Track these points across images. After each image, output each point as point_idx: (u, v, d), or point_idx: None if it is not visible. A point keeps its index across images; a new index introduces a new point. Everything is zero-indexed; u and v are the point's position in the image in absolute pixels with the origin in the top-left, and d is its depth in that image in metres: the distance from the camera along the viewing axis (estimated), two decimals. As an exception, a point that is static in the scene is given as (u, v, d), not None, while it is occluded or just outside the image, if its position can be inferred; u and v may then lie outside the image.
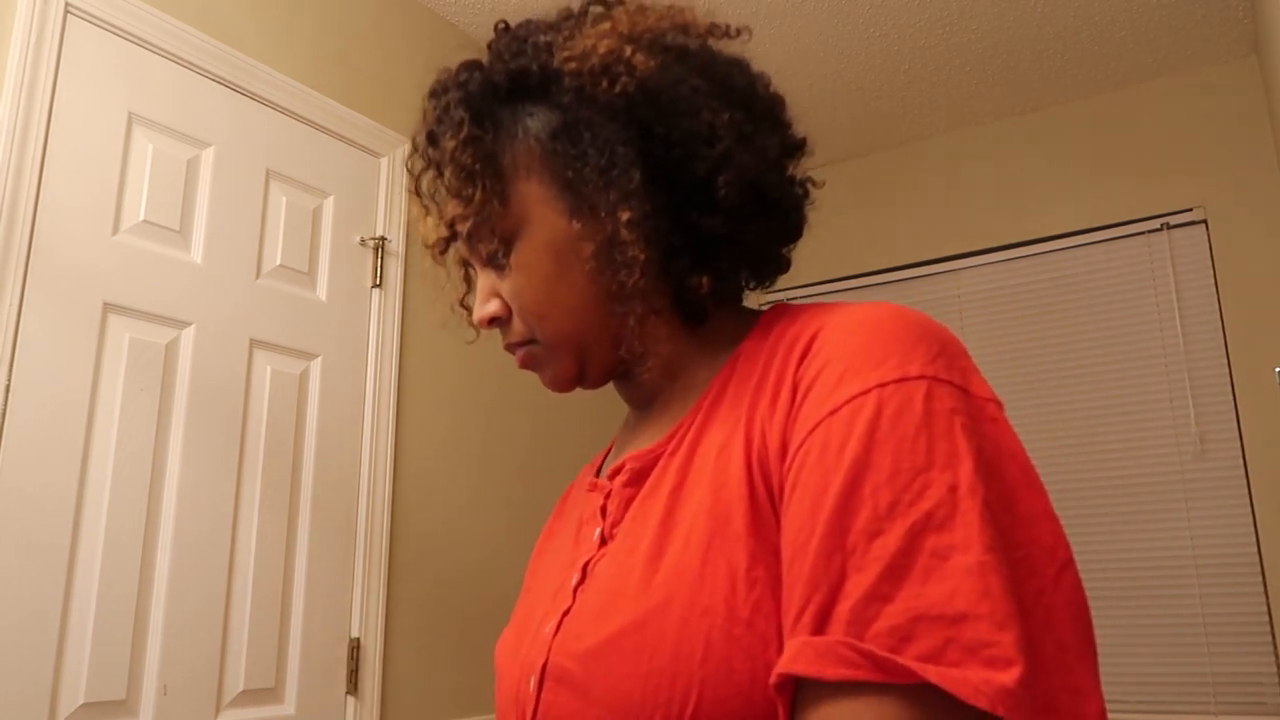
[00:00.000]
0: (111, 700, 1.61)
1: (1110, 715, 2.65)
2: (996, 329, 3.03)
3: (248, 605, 1.85)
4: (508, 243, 0.62)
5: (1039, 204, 3.02)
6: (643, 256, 0.58)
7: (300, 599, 1.95)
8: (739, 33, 0.65)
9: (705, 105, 0.59)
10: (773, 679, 0.45)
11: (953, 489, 0.44)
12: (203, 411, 1.83)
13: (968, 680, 0.40)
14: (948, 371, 0.49)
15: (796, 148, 0.65)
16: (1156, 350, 2.76)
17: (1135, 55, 2.76)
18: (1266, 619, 2.51)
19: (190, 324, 1.84)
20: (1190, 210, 2.78)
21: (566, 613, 0.58)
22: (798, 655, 0.43)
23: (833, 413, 0.48)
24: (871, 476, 0.45)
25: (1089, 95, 2.98)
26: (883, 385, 0.48)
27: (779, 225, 0.64)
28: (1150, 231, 2.83)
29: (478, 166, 0.60)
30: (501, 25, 0.66)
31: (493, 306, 0.64)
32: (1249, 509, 2.57)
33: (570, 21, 0.64)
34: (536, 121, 0.61)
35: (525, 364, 0.65)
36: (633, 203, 0.58)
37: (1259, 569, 2.53)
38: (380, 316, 2.24)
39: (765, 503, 0.51)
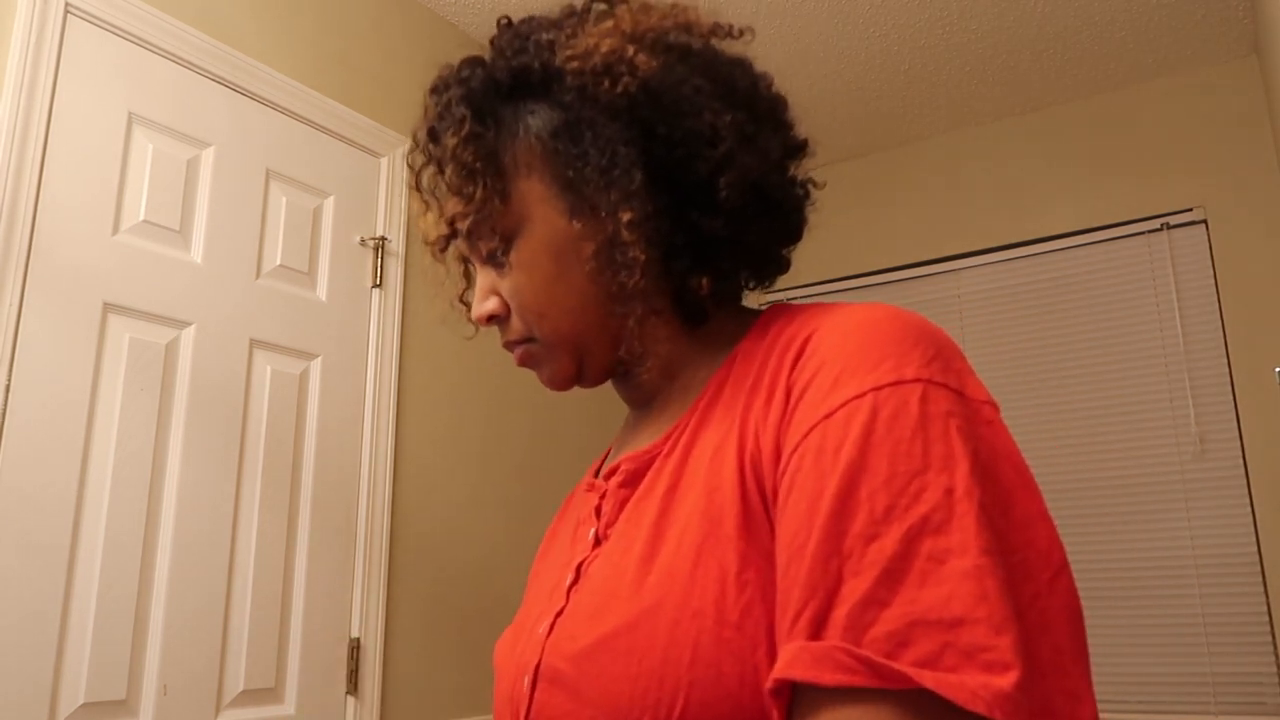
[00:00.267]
0: (111, 700, 1.61)
1: (1110, 715, 2.65)
2: (996, 329, 3.03)
3: (248, 605, 1.85)
4: (508, 241, 0.62)
5: (1039, 204, 3.01)
6: (643, 257, 0.58)
7: (300, 599, 1.95)
8: (741, 33, 0.65)
9: (708, 106, 0.59)
10: (769, 684, 0.44)
11: (949, 492, 0.44)
12: (203, 411, 1.83)
13: (965, 685, 0.40)
14: (943, 374, 0.49)
15: (798, 149, 0.64)
16: (1156, 350, 2.76)
17: (1135, 55, 2.76)
18: (1266, 619, 2.50)
19: (190, 324, 1.85)
20: (1190, 210, 2.77)
21: (560, 613, 0.58)
22: (794, 660, 0.43)
23: (828, 416, 0.48)
24: (868, 480, 0.45)
25: (1089, 95, 2.98)
26: (878, 388, 0.48)
27: (780, 226, 0.64)
28: (1150, 231, 2.83)
29: (479, 164, 0.60)
30: (504, 21, 0.65)
31: (491, 304, 0.64)
32: (1249, 509, 2.57)
33: (573, 19, 0.63)
34: (538, 119, 0.61)
35: (523, 362, 0.65)
36: (634, 203, 0.58)
37: (1259, 569, 2.53)
38: (380, 316, 2.24)
39: (758, 506, 0.51)
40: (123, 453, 1.70)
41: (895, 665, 0.41)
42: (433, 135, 0.63)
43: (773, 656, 0.46)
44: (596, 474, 0.70)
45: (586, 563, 0.60)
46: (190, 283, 1.86)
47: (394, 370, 2.25)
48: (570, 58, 0.60)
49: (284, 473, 1.97)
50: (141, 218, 1.79)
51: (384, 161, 2.32)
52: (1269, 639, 2.50)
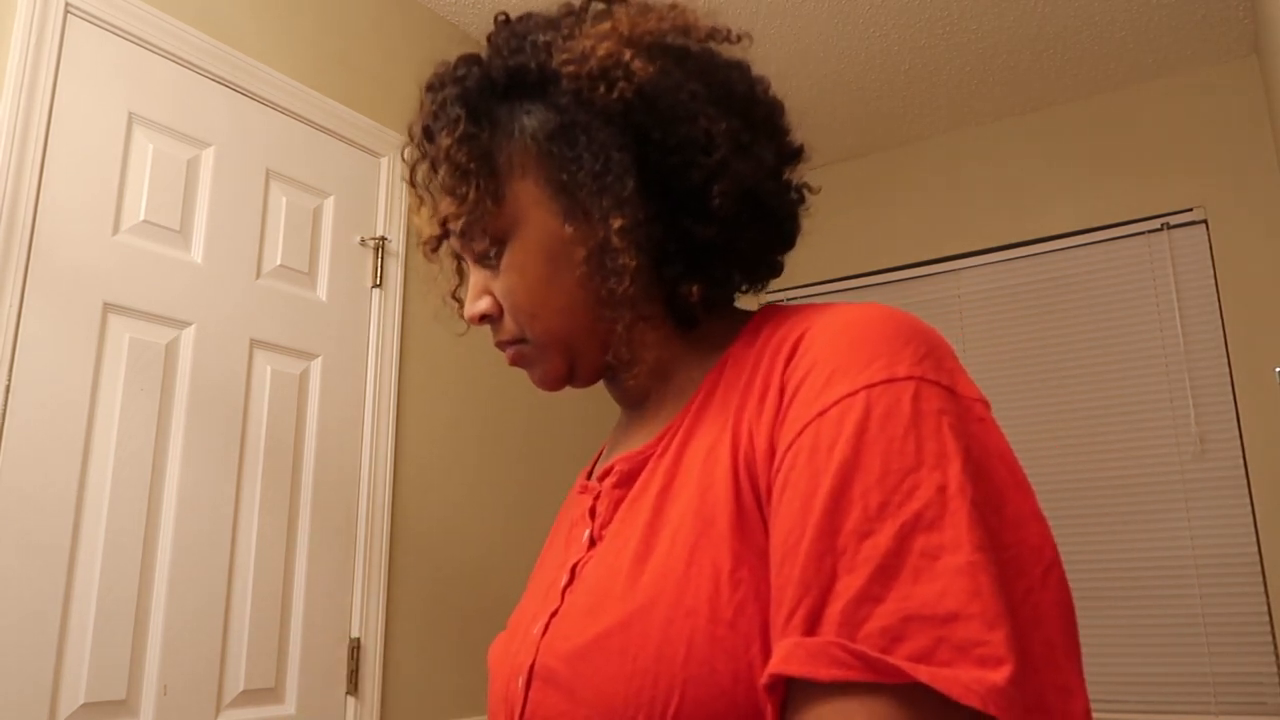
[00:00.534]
0: (111, 700, 1.62)
1: (1110, 715, 2.65)
2: (996, 329, 3.03)
3: (248, 605, 1.85)
4: (500, 242, 0.62)
5: (1039, 204, 3.01)
6: (633, 264, 0.58)
7: (300, 599, 1.95)
8: (740, 38, 0.65)
9: (703, 112, 0.59)
10: (764, 680, 0.45)
11: (941, 489, 0.44)
12: (203, 412, 1.83)
13: (959, 679, 0.40)
14: (935, 372, 0.49)
15: (793, 155, 0.64)
16: (1156, 350, 2.76)
17: (1135, 55, 2.76)
18: (1266, 619, 2.50)
19: (190, 324, 1.85)
20: (1190, 210, 2.77)
21: (554, 614, 0.58)
22: (789, 656, 0.43)
23: (821, 414, 0.48)
24: (861, 478, 0.45)
25: (1089, 95, 2.98)
26: (871, 386, 0.48)
27: (773, 233, 0.63)
28: (1150, 231, 2.83)
29: (473, 165, 0.60)
30: (501, 18, 0.65)
31: (484, 304, 0.64)
32: (1249, 509, 2.57)
33: (571, 19, 0.63)
34: (533, 120, 0.61)
35: (515, 362, 0.66)
36: (625, 209, 0.57)
37: (1259, 569, 2.53)
38: (380, 316, 2.24)
39: (751, 505, 0.51)
40: (123, 453, 1.70)
41: (890, 660, 0.41)
42: (427, 133, 0.63)
43: (767, 654, 0.47)
44: (589, 476, 0.70)
45: (581, 564, 0.60)
46: (190, 283, 1.86)
47: (394, 370, 2.25)
48: (567, 60, 0.59)
49: (284, 473, 1.97)
50: (141, 218, 1.79)
51: (384, 161, 2.32)
52: (1269, 639, 2.50)
